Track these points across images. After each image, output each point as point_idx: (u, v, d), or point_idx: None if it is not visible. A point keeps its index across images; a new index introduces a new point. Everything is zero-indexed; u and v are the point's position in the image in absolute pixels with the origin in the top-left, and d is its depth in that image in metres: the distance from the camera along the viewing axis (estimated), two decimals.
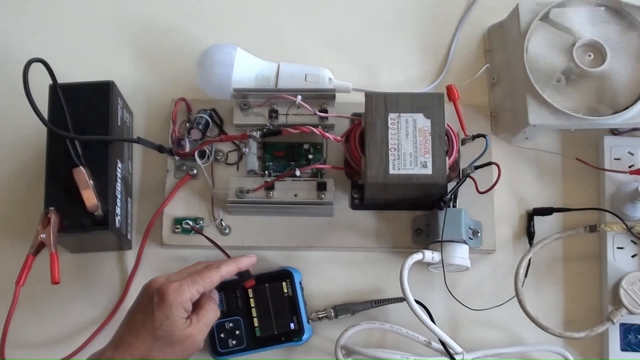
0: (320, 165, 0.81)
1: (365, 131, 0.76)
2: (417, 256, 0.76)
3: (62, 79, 0.78)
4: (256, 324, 0.79)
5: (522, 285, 0.78)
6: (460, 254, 0.78)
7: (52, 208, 0.75)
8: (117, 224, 0.78)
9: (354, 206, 0.83)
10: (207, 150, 0.83)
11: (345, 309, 0.80)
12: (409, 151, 0.75)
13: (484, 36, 0.91)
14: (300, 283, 0.81)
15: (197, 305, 0.72)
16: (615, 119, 0.80)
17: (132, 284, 0.83)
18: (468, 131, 0.79)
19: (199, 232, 0.82)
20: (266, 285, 0.80)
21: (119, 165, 0.80)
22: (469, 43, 0.91)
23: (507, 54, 0.87)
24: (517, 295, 0.78)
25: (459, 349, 0.77)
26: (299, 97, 0.81)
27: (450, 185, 0.79)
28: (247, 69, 0.83)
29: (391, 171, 0.75)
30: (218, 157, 0.84)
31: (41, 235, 0.74)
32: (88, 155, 0.77)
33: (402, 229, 0.83)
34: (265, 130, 0.81)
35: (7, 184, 0.86)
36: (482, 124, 0.86)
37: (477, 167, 0.78)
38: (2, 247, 0.83)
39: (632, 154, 0.84)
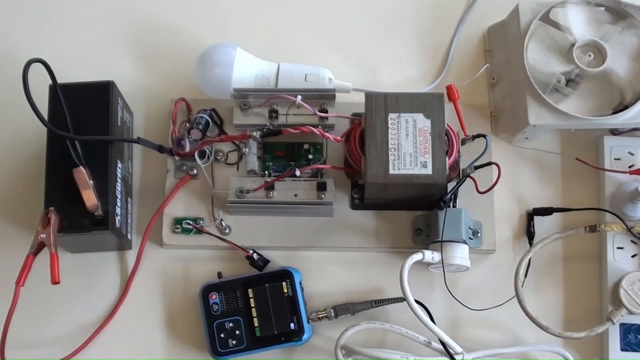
0: (320, 165, 0.81)
1: (365, 131, 0.76)
2: (417, 256, 0.76)
3: (62, 79, 0.78)
4: (256, 324, 0.79)
5: (522, 285, 0.78)
6: (460, 254, 0.78)
7: (52, 208, 0.75)
8: (117, 224, 0.78)
9: (354, 206, 0.83)
10: (207, 150, 0.83)
11: (345, 309, 0.80)
12: (409, 151, 0.75)
13: (484, 36, 0.91)
14: (300, 283, 0.81)
15: None
16: (615, 119, 0.80)
17: (132, 284, 0.83)
18: (468, 131, 0.79)
19: (201, 229, 0.82)
20: (266, 285, 0.80)
21: (119, 165, 0.80)
22: (469, 43, 0.91)
23: (507, 54, 0.87)
24: (517, 295, 0.78)
25: (459, 349, 0.77)
26: (299, 97, 0.81)
27: (450, 185, 0.79)
28: (247, 68, 0.83)
29: (391, 171, 0.75)
30: (218, 157, 0.84)
31: (41, 235, 0.74)
32: (88, 155, 0.77)
33: (402, 229, 0.83)
34: (265, 130, 0.81)
35: (7, 184, 0.86)
36: (482, 124, 0.87)
37: (477, 167, 0.78)
38: (2, 247, 0.83)
39: (632, 154, 0.84)
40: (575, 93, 0.81)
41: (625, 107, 0.80)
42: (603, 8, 0.83)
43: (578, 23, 0.82)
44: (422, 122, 0.76)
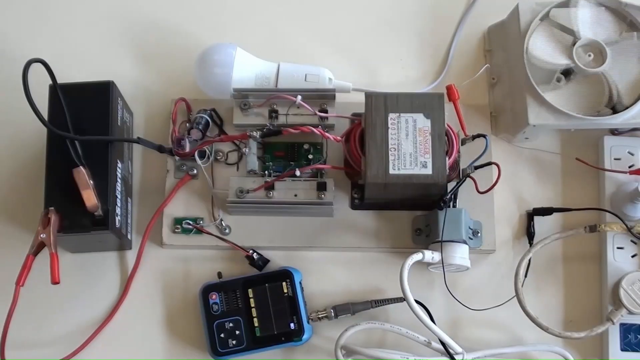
0: (320, 165, 0.81)
1: (365, 131, 0.76)
2: (417, 256, 0.76)
3: (62, 79, 0.78)
4: (256, 324, 0.79)
5: (522, 285, 0.78)
6: (460, 254, 0.78)
7: (52, 208, 0.75)
8: (117, 224, 0.78)
9: (354, 206, 0.83)
10: (207, 150, 0.83)
11: (345, 309, 0.80)
12: (409, 151, 0.75)
13: (484, 36, 0.91)
14: (300, 283, 0.81)
15: None
16: (615, 119, 0.80)
17: (132, 284, 0.83)
18: (468, 131, 0.79)
19: (202, 229, 0.82)
20: (266, 285, 0.80)
21: (119, 165, 0.80)
22: (469, 43, 0.91)
23: (507, 54, 0.87)
24: (517, 295, 0.78)
25: (459, 349, 0.77)
26: (299, 97, 0.81)
27: (450, 185, 0.79)
28: (247, 68, 0.83)
29: (391, 171, 0.75)
30: (218, 157, 0.84)
31: (41, 235, 0.74)
32: (88, 155, 0.77)
33: (402, 229, 0.83)
34: (265, 130, 0.81)
35: (7, 184, 0.86)
36: (482, 124, 0.87)
37: (477, 167, 0.78)
38: (2, 247, 0.83)
39: (632, 154, 0.84)
40: (567, 88, 0.81)
41: (625, 107, 0.80)
42: (603, 8, 0.82)
43: (578, 23, 0.82)
44: (422, 122, 0.76)
